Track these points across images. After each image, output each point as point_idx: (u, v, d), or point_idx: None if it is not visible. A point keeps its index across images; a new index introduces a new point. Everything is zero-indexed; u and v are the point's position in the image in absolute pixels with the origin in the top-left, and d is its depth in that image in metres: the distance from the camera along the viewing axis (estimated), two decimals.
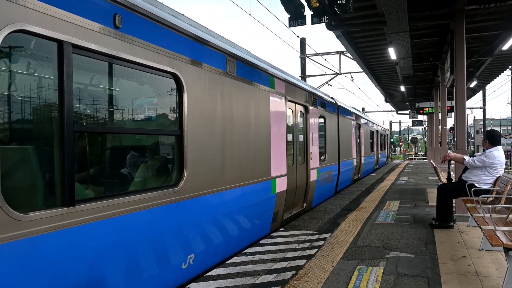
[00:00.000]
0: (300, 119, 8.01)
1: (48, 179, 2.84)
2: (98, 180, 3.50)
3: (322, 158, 9.57)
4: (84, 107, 3.27)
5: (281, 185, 6.64)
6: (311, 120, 8.55)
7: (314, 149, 8.68)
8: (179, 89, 4.01)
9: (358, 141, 15.25)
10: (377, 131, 22.47)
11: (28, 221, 2.41)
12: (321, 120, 9.63)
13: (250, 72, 5.64)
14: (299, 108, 7.93)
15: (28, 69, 2.80)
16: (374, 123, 21.50)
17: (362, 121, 16.65)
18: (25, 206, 2.50)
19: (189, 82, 4.10)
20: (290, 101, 7.26)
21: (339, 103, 12.00)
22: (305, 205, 8.18)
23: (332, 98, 11.69)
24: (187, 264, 4.10)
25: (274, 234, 6.16)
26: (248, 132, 5.55)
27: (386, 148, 29.53)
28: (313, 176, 8.58)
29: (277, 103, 6.60)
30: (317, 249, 5.18)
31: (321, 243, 5.50)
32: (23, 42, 2.60)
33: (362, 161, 16.12)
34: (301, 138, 8.06)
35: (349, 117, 13.51)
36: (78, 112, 3.09)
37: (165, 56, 3.76)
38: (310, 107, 8.51)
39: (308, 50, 20.41)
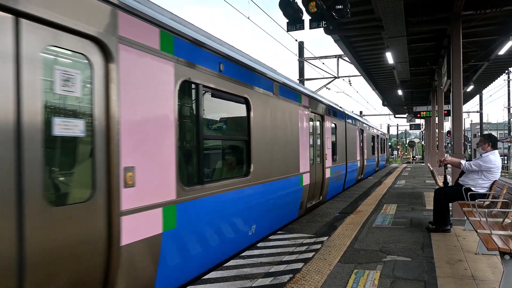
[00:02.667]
0: (318, 126, 9.64)
1: (193, 170, 4.46)
2: (211, 170, 5.13)
3: (334, 159, 11.06)
4: (206, 122, 4.81)
5: (306, 180, 8.18)
6: (326, 127, 10.18)
7: (328, 151, 10.28)
8: (248, 107, 5.63)
9: (361, 144, 16.72)
10: (377, 136, 24.14)
11: (188, 191, 4.10)
12: (333, 126, 11.26)
13: (287, 91, 7.23)
14: (318, 117, 9.57)
15: (191, 101, 4.49)
16: (374, 128, 23.24)
17: (365, 126, 18.22)
18: (187, 184, 4.16)
19: (253, 103, 5.71)
20: (311, 112, 8.87)
21: (346, 112, 13.67)
22: (321, 197, 9.63)
23: (341, 107, 13.05)
24: (251, 232, 5.71)
25: (271, 237, 6.17)
26: (285, 137, 7.09)
27: (385, 152, 31.60)
28: (328, 173, 10.13)
29: (303, 114, 8.19)
30: (314, 253, 5.19)
31: (318, 246, 5.51)
32: (187, 85, 4.27)
33: (365, 163, 17.66)
34: (318, 142, 9.59)
35: (354, 123, 15.08)
36: (203, 124, 4.61)
37: (241, 86, 5.41)
38: (326, 116, 10.20)
39: (306, 54, 20.51)
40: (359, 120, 16.85)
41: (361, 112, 39.88)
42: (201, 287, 4.04)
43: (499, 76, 19.04)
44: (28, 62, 2.54)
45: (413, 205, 9.18)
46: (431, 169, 8.67)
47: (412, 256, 4.98)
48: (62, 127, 2.81)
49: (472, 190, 5.81)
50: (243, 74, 5.46)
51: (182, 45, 4.07)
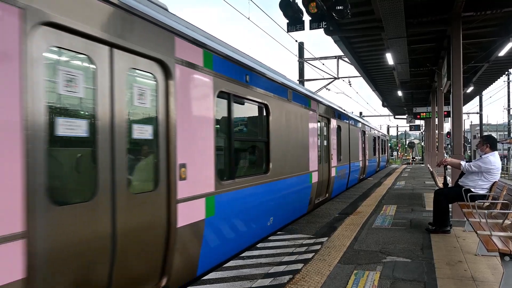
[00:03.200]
0: (324, 128, 10.31)
1: (227, 166, 5.14)
2: (240, 167, 5.84)
3: (338, 159, 11.78)
4: (235, 126, 5.49)
5: (314, 178, 8.92)
6: (331, 129, 10.89)
7: (333, 152, 10.97)
8: (267, 113, 6.34)
9: (363, 145, 17.40)
10: (378, 137, 24.95)
11: (223, 185, 4.78)
12: (337, 128, 11.87)
13: (298, 97, 7.93)
14: (324, 120, 10.26)
15: (224, 108, 5.13)
16: (376, 130, 24.15)
17: (366, 128, 19.00)
18: (224, 178, 4.93)
19: (271, 108, 6.41)
20: (319, 115, 9.52)
21: (349, 114, 14.39)
22: (327, 195, 10.36)
23: (344, 110, 13.76)
24: (270, 223, 6.41)
25: (271, 238, 6.17)
26: (297, 139, 7.75)
27: (386, 152, 32.56)
28: (333, 172, 10.85)
29: (312, 118, 8.86)
30: (314, 253, 5.19)
31: (318, 247, 5.51)
32: (221, 95, 4.91)
33: (366, 163, 18.35)
34: (325, 143, 10.26)
35: (356, 125, 15.85)
36: (234, 128, 5.31)
37: (262, 94, 6.12)
38: (331, 119, 10.90)
39: (306, 55, 20.50)
40: (361, 122, 17.53)
41: (361, 113, 39.88)
42: (201, 287, 4.04)
43: (499, 78, 19.06)
44: (118, 81, 3.26)
45: (412, 206, 9.17)
46: (431, 170, 8.67)
47: (412, 257, 4.98)
48: (138, 132, 3.56)
49: (472, 191, 5.81)
50: (264, 83, 6.22)
51: (218, 61, 4.80)
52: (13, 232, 2.42)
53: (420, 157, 58.19)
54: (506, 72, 29.63)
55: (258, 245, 5.71)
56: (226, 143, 5.16)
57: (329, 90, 22.41)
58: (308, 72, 53.02)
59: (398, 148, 73.56)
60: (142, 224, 3.49)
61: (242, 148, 6.05)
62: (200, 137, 4.39)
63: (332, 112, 11.12)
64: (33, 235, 2.54)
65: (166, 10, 4.25)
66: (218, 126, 4.82)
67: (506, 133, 42.58)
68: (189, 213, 4.10)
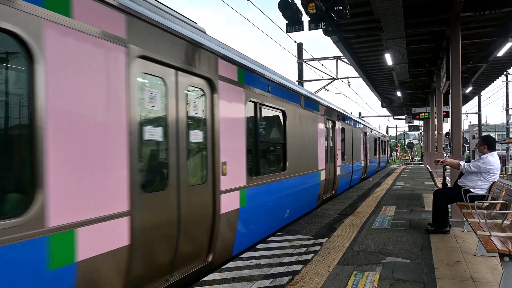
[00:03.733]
0: (331, 130, 11.14)
1: (254, 164, 5.93)
2: (264, 165, 6.59)
3: (343, 158, 12.61)
4: (260, 129, 6.35)
5: (323, 176, 9.78)
6: (337, 131, 11.71)
7: (338, 152, 11.81)
8: (284, 118, 7.16)
9: (365, 146, 18.30)
10: (379, 138, 25.93)
11: (252, 180, 5.58)
12: (342, 130, 12.71)
13: (309, 103, 8.79)
14: (330, 123, 11.13)
15: (252, 115, 5.97)
16: (376, 131, 25.25)
17: (367, 129, 19.89)
18: (252, 174, 5.72)
19: (288, 114, 7.24)
20: (326, 118, 10.37)
21: (352, 117, 15.40)
22: (333, 192, 11.24)
23: (347, 112, 14.51)
24: (286, 215, 7.24)
25: (270, 239, 6.16)
26: (308, 140, 8.63)
27: (386, 153, 33.95)
28: (338, 171, 11.71)
29: (320, 121, 9.73)
30: (313, 254, 5.18)
31: (317, 248, 5.51)
32: (250, 104, 5.78)
33: (368, 163, 19.20)
34: (331, 143, 11.14)
35: (359, 127, 16.72)
36: (259, 132, 6.20)
37: (281, 102, 6.94)
38: (336, 121, 11.71)
39: (305, 55, 20.52)
40: (363, 124, 18.56)
41: (360, 114, 39.92)
42: None
43: (498, 78, 19.11)
44: (180, 97, 4.12)
45: (412, 207, 9.17)
46: (430, 170, 8.69)
47: (411, 258, 4.98)
48: (194, 136, 4.39)
49: (471, 192, 5.81)
50: (281, 92, 7.04)
51: (248, 75, 5.62)
52: (123, 210, 3.25)
53: (419, 158, 58.23)
54: (505, 72, 29.72)
55: (258, 246, 5.70)
56: (254, 144, 5.98)
57: (328, 90, 22.44)
58: (307, 73, 53.24)
59: (397, 148, 73.59)
60: (196, 209, 4.36)
61: (265, 148, 6.83)
62: (236, 139, 5.28)
63: (337, 115, 11.97)
64: (133, 213, 3.34)
65: (205, 33, 5.06)
66: (248, 130, 5.67)
67: (505, 133, 42.64)
68: (229, 203, 4.96)
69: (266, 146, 6.86)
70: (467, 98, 25.54)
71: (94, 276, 2.98)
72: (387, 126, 61.55)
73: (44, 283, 2.56)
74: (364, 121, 20.73)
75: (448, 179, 7.67)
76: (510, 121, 38.78)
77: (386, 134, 39.04)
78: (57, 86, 2.70)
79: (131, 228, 3.31)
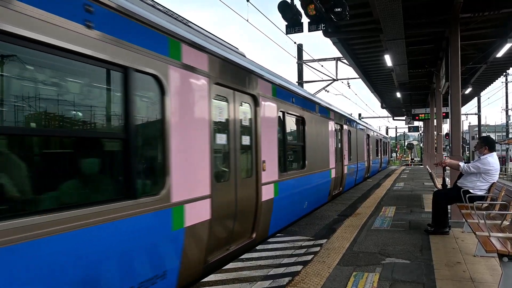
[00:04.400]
0: (339, 133, 12.35)
1: (283, 163, 6.99)
2: (289, 164, 7.67)
3: (349, 159, 13.81)
4: (287, 134, 7.44)
5: (333, 173, 11.02)
6: (344, 134, 12.99)
7: (345, 153, 13.05)
8: (303, 123, 8.43)
9: (368, 147, 19.54)
10: (380, 139, 27.47)
11: (282, 176, 6.72)
12: (348, 132, 13.87)
13: (322, 109, 10.13)
14: (339, 126, 12.31)
15: (281, 122, 7.24)
16: (378, 133, 26.86)
17: (370, 132, 21.38)
18: (282, 171, 6.83)
19: (306, 120, 8.51)
20: (335, 122, 11.58)
21: (357, 120, 16.87)
22: (341, 188, 12.42)
23: (352, 116, 16.14)
24: (305, 206, 8.46)
25: (270, 240, 6.17)
26: (321, 142, 9.90)
27: (387, 154, 35.71)
28: (345, 170, 12.97)
29: (330, 125, 11.00)
30: (313, 255, 5.19)
31: (317, 249, 5.52)
32: (280, 114, 7.04)
33: (371, 163, 20.62)
34: (339, 145, 12.30)
35: (362, 129, 18.11)
36: (286, 136, 7.37)
37: (301, 110, 8.23)
38: (343, 125, 13.01)
39: (305, 56, 20.62)
40: (366, 126, 20.02)
41: (360, 115, 39.91)
42: None
43: (497, 79, 19.09)
44: (236, 111, 5.37)
45: (411, 208, 9.18)
46: (430, 171, 8.72)
47: (411, 259, 4.98)
48: (244, 140, 5.59)
49: (471, 192, 5.82)
50: (301, 102, 8.30)
51: (279, 91, 6.94)
52: (206, 194, 4.44)
53: (419, 159, 58.21)
54: (504, 73, 29.72)
55: (258, 247, 5.71)
56: (282, 145, 7.13)
57: (328, 91, 22.47)
58: (307, 74, 53.29)
59: (397, 149, 73.56)
60: (246, 197, 5.59)
61: (290, 149, 7.94)
62: (271, 142, 6.47)
63: (344, 119, 13.26)
64: (212, 196, 4.53)
65: (244, 56, 6.35)
66: (279, 135, 6.92)
67: (505, 134, 42.64)
68: (266, 193, 6.15)
69: (290, 147, 7.99)
70: (466, 99, 25.54)
71: (193, 238, 4.22)
72: (387, 127, 61.52)
73: (169, 239, 3.88)
74: (366, 123, 21.93)
75: (447, 180, 7.68)
76: (509, 121, 38.79)
77: (387, 136, 40.99)
78: (175, 107, 3.96)
79: (211, 207, 4.54)
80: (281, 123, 7.16)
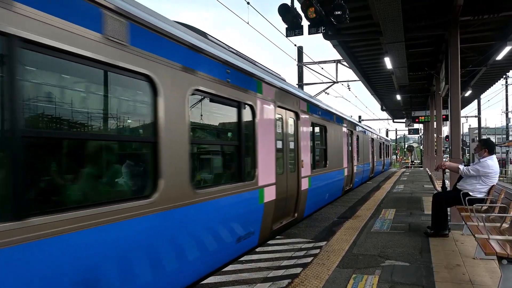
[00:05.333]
0: (349, 138, 14.26)
1: (313, 162, 9.27)
2: (316, 162, 9.64)
3: (357, 160, 15.98)
4: (315, 140, 9.55)
5: (345, 172, 13.06)
6: (354, 138, 15.15)
7: (355, 155, 15.18)
8: (325, 131, 10.40)
9: (372, 150, 21.68)
10: (383, 143, 30.01)
11: (313, 171, 9.03)
12: (357, 137, 15.91)
13: (338, 118, 12.15)
14: (349, 131, 14.20)
15: (312, 131, 9.56)
16: (381, 137, 29.76)
17: (374, 136, 23.57)
18: (313, 168, 9.06)
19: (327, 128, 10.49)
20: (347, 129, 13.66)
21: (363, 126, 19.47)
22: (351, 185, 14.39)
23: (359, 122, 19.51)
24: (326, 197, 10.40)
25: (270, 242, 6.18)
26: (337, 145, 11.89)
27: (389, 156, 38.83)
28: (354, 169, 14.98)
29: (344, 131, 13.09)
30: (313, 257, 5.20)
31: (317, 251, 5.52)
32: (313, 124, 9.76)
33: (375, 164, 22.87)
34: (350, 148, 14.28)
35: (368, 134, 20.23)
36: (315, 141, 9.55)
37: (324, 120, 10.11)
38: (353, 130, 14.99)
39: (305, 59, 20.57)
40: (371, 131, 22.29)
41: (360, 117, 39.95)
42: None
43: (497, 81, 19.12)
44: (286, 124, 7.36)
45: (411, 210, 9.19)
46: (430, 173, 8.74)
47: (411, 261, 4.99)
48: (291, 145, 7.54)
49: (470, 195, 5.82)
50: (324, 113, 10.32)
51: (311, 107, 8.91)
52: (273, 182, 6.35)
53: (419, 161, 58.18)
54: (504, 76, 29.74)
55: (257, 250, 5.72)
56: (312, 148, 9.14)
57: (328, 94, 22.49)
58: (307, 76, 53.32)
59: (397, 152, 73.49)
60: (292, 186, 7.53)
61: (317, 151, 9.96)
62: (307, 145, 8.52)
63: (353, 126, 15.30)
64: (276, 184, 6.45)
65: (285, 80, 8.21)
66: (310, 140, 8.89)
67: (505, 136, 42.64)
68: (304, 184, 8.16)
69: (317, 150, 9.97)
70: (466, 102, 25.57)
71: (267, 210, 6.13)
72: (387, 129, 61.55)
73: (257, 209, 5.85)
74: (371, 128, 24.20)
75: (447, 183, 7.68)
76: (509, 124, 38.81)
77: (389, 139, 44.39)
78: (259, 123, 5.96)
79: (276, 191, 6.50)
80: (312, 131, 9.15)
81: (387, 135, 59.05)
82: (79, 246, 2.79)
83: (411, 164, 54.02)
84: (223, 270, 4.73)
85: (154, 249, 3.58)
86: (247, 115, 5.63)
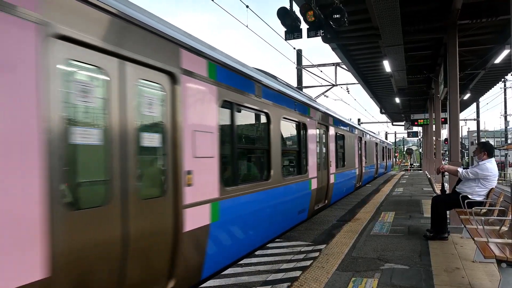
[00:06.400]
0: (359, 143, 17.11)
1: (340, 163, 12.96)
2: (342, 162, 13.24)
3: (365, 162, 18.69)
4: (340, 147, 13.09)
5: (357, 172, 15.78)
6: (362, 144, 17.96)
7: (363, 158, 18.08)
8: (343, 138, 13.12)
9: (376, 153, 24.56)
10: (386, 147, 33.73)
11: (337, 169, 12.01)
12: (364, 143, 18.77)
13: (352, 128, 14.94)
14: (359, 138, 17.15)
15: (339, 140, 13.31)
16: (385, 141, 33.70)
17: (378, 140, 26.55)
18: (336, 167, 12.05)
19: (345, 135, 13.39)
20: (358, 136, 16.62)
21: (370, 133, 22.34)
22: (360, 183, 17.00)
23: (368, 130, 22.17)
24: (344, 190, 13.18)
25: (269, 245, 6.17)
26: (352, 149, 14.69)
27: (391, 158, 42.87)
28: (363, 170, 17.70)
29: (356, 138, 15.99)
30: (312, 261, 5.19)
31: (316, 254, 5.51)
32: (337, 135, 13.20)
33: (378, 166, 26.09)
34: (359, 152, 16.92)
35: (373, 139, 23.18)
36: (341, 147, 13.29)
37: (343, 130, 13.10)
38: (362, 137, 18.02)
39: (304, 62, 20.62)
40: (375, 137, 25.46)
41: (359, 120, 40.00)
42: None
43: (496, 84, 19.17)
44: (320, 133, 10.27)
45: (411, 213, 9.19)
46: (429, 176, 8.76)
47: (410, 264, 4.98)
48: (323, 149, 10.56)
49: (469, 198, 5.82)
50: (343, 124, 13.20)
51: (335, 122, 11.75)
52: (315, 176, 9.11)
53: (418, 164, 58.17)
54: (503, 79, 29.83)
55: (257, 253, 5.71)
56: (336, 152, 11.63)
57: (327, 97, 22.60)
58: (307, 79, 53.41)
59: (396, 154, 73.48)
60: (325, 180, 10.11)
61: (339, 154, 12.48)
62: (332, 149, 11.01)
63: (363, 133, 18.61)
64: (317, 177, 9.25)
65: (315, 100, 10.45)
66: (335, 145, 11.54)
67: (503, 139, 42.69)
68: (331, 179, 10.60)
69: (338, 152, 12.26)
70: (465, 105, 25.62)
71: (312, 195, 8.73)
72: (386, 132, 61.59)
73: (308, 193, 8.61)
74: (375, 134, 27.47)
75: (446, 186, 7.68)
76: (508, 127, 38.87)
77: (391, 143, 48.46)
78: (310, 135, 8.78)
79: (317, 182, 9.10)
80: (335, 139, 11.74)
81: (386, 138, 59.09)
82: (252, 199, 5.67)
83: (410, 167, 54.01)
84: (222, 273, 4.72)
85: (271, 205, 6.48)
86: (302, 130, 8.36)
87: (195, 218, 4.17)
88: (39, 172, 2.54)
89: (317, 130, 9.59)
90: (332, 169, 10.93)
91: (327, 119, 10.68)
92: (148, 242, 3.53)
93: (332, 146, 11.05)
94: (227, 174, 5.16)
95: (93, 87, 3.10)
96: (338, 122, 12.28)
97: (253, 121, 6.36)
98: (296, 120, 7.92)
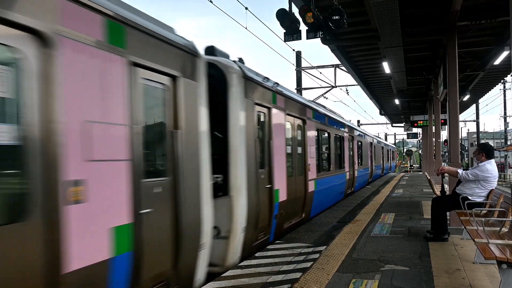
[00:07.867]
0: (370, 146, 20.87)
1: (359, 162, 17.50)
2: (359, 162, 17.87)
3: (374, 162, 22.46)
4: (359, 152, 17.67)
5: (369, 170, 20.44)
6: (373, 147, 21.89)
7: (373, 158, 21.94)
8: (361, 143, 17.81)
9: (382, 155, 29.11)
10: (390, 149, 38.10)
11: (357, 168, 16.62)
12: (374, 146, 22.79)
13: (361, 134, 18.59)
14: (370, 142, 20.76)
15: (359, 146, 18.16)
16: (389, 144, 39.08)
17: (383, 144, 30.44)
18: (358, 164, 16.92)
19: (362, 142, 18.11)
20: (369, 142, 20.47)
21: (377, 138, 26.96)
22: (370, 179, 20.79)
23: (376, 136, 27.70)
24: (362, 183, 17.83)
25: (269, 247, 6.16)
26: (366, 152, 19.51)
27: (394, 159, 47.42)
28: (373, 169, 21.64)
29: (368, 143, 20.32)
30: (312, 262, 5.18)
31: (316, 255, 5.51)
32: (359, 141, 18.73)
33: (384, 165, 30.84)
34: (370, 153, 20.57)
35: (379, 143, 27.44)
36: (359, 149, 17.61)
37: (359, 138, 17.52)
38: (372, 142, 21.36)
39: (303, 63, 20.68)
40: (381, 141, 30.16)
41: (358, 121, 40.01)
42: None
43: (495, 86, 19.20)
44: (350, 141, 15.29)
45: (411, 214, 9.18)
46: (429, 178, 8.74)
47: (410, 266, 4.98)
48: (349, 153, 14.94)
49: (469, 199, 5.82)
50: (358, 133, 16.98)
51: (356, 132, 16.36)
52: (348, 170, 13.80)
53: (418, 165, 58.18)
54: (502, 81, 29.85)
55: (257, 254, 5.70)
56: (353, 154, 14.82)
57: (326, 98, 22.55)
58: (306, 81, 53.45)
59: (396, 156, 73.42)
60: (352, 174, 14.38)
61: (359, 155, 16.33)
62: (357, 153, 15.92)
63: (372, 139, 22.71)
64: (349, 172, 13.87)
65: (332, 111, 12.60)
66: (355, 149, 15.46)
67: (503, 140, 42.70)
68: (356, 173, 15.18)
69: (358, 154, 15.59)
70: (465, 106, 25.64)
71: (347, 183, 13.46)
72: (386, 133, 61.62)
73: (344, 181, 13.11)
74: (381, 138, 33.21)
75: (446, 187, 7.68)
76: (508, 128, 38.90)
77: (394, 145, 52.71)
78: (344, 142, 13.58)
79: (348, 174, 13.87)
80: (352, 143, 14.36)
81: (386, 140, 59.13)
82: (330, 179, 10.49)
83: (410, 169, 54.00)
84: (222, 275, 4.71)
85: (337, 184, 11.26)
86: (340, 139, 11.98)
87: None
88: None
89: (348, 138, 12.61)
90: (355, 166, 14.19)
91: (351, 130, 13.67)
92: None
93: (354, 150, 14.44)
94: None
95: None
96: (353, 129, 14.84)
97: None
98: (339, 134, 12.56)
